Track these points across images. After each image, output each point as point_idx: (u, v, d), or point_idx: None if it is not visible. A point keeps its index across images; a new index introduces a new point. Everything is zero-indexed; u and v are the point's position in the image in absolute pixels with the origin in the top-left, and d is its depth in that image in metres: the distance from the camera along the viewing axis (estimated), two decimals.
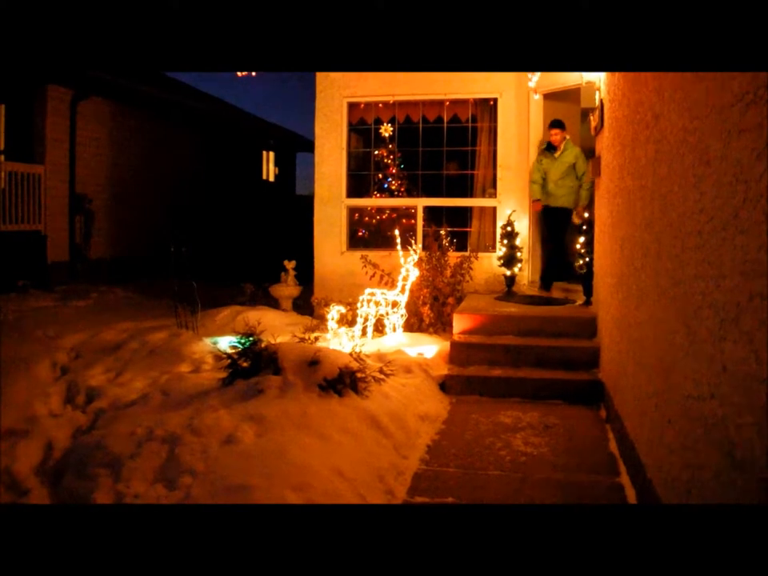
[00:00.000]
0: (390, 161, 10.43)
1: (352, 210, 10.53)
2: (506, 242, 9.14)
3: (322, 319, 8.65)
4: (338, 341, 7.78)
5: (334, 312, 8.22)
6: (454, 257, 9.35)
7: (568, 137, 9.25)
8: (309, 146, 14.94)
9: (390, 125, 10.32)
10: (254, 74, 9.33)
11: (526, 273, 9.81)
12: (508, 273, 9.23)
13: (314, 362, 5.38)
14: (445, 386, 6.88)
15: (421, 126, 10.23)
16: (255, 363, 5.54)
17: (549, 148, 9.27)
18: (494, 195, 9.93)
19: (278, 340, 6.06)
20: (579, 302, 8.37)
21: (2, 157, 12.65)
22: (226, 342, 6.99)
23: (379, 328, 8.47)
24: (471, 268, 9.32)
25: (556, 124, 9.25)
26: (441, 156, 10.23)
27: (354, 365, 5.69)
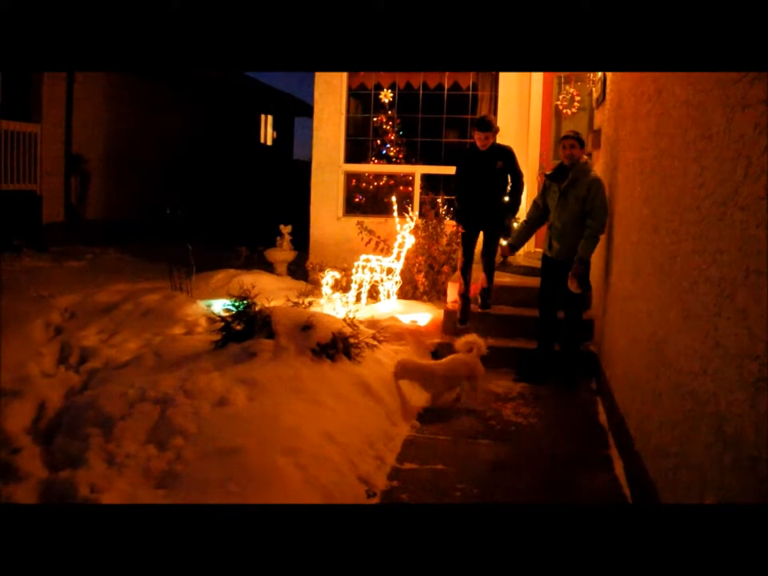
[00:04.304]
0: (388, 127, 10.35)
1: (349, 176, 10.48)
2: None
3: (317, 284, 8.64)
4: (332, 306, 7.77)
5: (329, 277, 8.21)
6: (450, 225, 9.31)
7: (586, 157, 6.39)
8: (308, 110, 14.80)
9: (390, 91, 10.22)
10: None
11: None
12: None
13: (307, 326, 5.37)
14: (437, 354, 6.89)
15: (421, 92, 10.13)
16: (248, 326, 5.53)
17: (557, 174, 6.30)
18: None
19: (272, 304, 6.04)
20: None
21: None
22: (220, 305, 6.97)
23: (373, 294, 8.46)
24: None
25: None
26: (440, 124, 10.16)
27: (347, 330, 5.68)
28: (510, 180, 7.08)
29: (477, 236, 7.25)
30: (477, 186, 7.07)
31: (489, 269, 7.22)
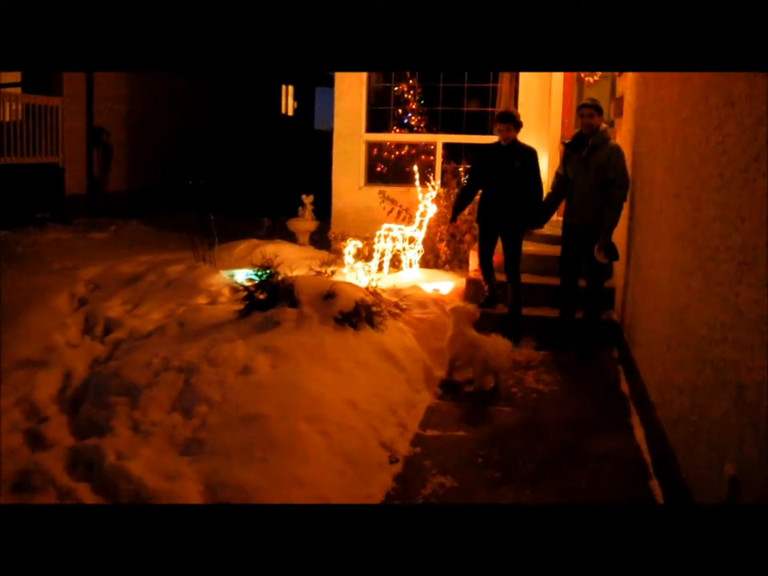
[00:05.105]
0: (410, 96, 10.28)
1: (371, 145, 10.43)
2: None
3: (339, 254, 8.65)
4: (355, 275, 7.79)
5: (351, 247, 8.21)
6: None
7: (605, 125, 6.30)
8: (329, 80, 14.71)
9: None
10: None
11: None
12: None
13: (330, 295, 5.39)
14: None
15: None
16: (272, 296, 5.56)
17: (575, 143, 6.23)
18: None
19: (295, 273, 6.07)
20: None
21: (20, 89, 12.55)
22: (243, 275, 7.00)
23: (395, 263, 8.47)
24: None
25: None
26: (461, 92, 10.05)
27: (370, 299, 5.70)
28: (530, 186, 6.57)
29: (494, 237, 6.80)
30: (492, 184, 6.74)
31: (512, 277, 6.73)
